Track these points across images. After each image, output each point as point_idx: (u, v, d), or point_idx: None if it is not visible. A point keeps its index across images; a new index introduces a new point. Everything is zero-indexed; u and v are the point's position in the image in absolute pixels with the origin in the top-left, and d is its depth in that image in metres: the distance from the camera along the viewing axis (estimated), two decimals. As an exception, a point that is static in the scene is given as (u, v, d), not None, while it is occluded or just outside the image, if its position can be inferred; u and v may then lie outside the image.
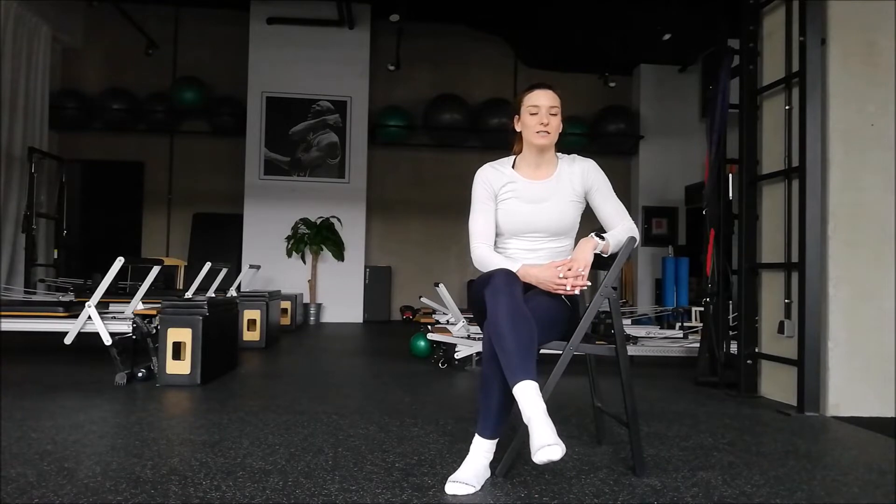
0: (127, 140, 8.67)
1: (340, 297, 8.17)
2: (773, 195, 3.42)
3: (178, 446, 2.17)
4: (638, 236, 2.04)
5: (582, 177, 2.10)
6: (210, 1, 8.45)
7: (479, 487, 1.78)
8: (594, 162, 2.15)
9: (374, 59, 8.49)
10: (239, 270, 7.18)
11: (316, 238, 7.91)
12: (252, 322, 5.04)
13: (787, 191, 3.26)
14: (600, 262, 2.04)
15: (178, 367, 3.30)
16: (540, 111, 2.06)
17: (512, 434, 2.00)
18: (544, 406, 1.69)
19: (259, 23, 8.14)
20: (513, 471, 1.95)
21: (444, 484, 1.79)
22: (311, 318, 7.84)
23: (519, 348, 1.71)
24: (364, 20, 8.27)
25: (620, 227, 2.05)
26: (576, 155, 2.17)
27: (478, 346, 3.97)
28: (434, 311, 5.45)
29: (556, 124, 2.07)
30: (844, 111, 3.05)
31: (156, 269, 3.79)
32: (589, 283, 1.93)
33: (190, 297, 4.10)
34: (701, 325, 4.53)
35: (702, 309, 4.39)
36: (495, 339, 1.75)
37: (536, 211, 2.06)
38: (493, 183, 2.12)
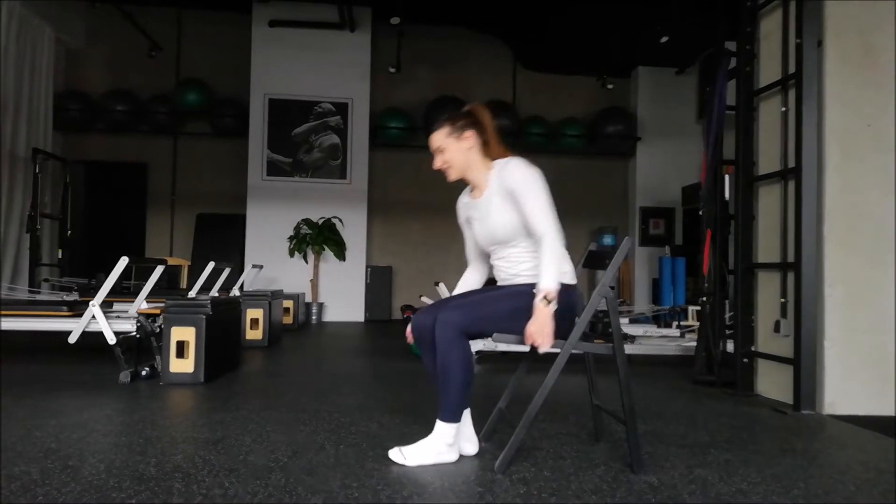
0: (130, 141, 8.71)
1: (342, 296, 8.20)
2: (769, 196, 3.45)
3: (181, 444, 2.20)
4: (559, 248, 1.93)
5: (500, 183, 2.06)
6: (212, 3, 8.48)
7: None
8: (520, 162, 2.04)
9: (375, 61, 8.52)
10: (242, 270, 7.21)
11: (318, 238, 7.94)
12: (255, 321, 5.07)
13: (784, 191, 3.29)
14: (598, 262, 2.06)
15: (182, 366, 3.33)
16: (435, 155, 2.16)
17: (510, 431, 2.02)
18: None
19: (261, 25, 8.18)
20: (511, 468, 1.98)
21: (445, 482, 1.82)
22: (313, 318, 7.87)
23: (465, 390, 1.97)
24: (365, 23, 8.30)
25: (544, 251, 1.91)
26: (510, 157, 2.09)
27: (477, 345, 3.99)
28: (434, 311, 5.45)
29: (448, 157, 2.11)
30: (841, 113, 3.07)
31: (159, 269, 3.82)
32: (552, 342, 1.92)
33: (193, 296, 4.13)
34: (698, 324, 4.55)
35: (699, 308, 4.41)
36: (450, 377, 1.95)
37: (482, 227, 2.12)
38: (461, 212, 2.27)
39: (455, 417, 2.00)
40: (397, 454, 2.02)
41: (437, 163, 2.14)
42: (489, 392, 3.40)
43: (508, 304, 1.98)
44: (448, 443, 2.01)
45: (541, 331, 1.88)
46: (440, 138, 2.12)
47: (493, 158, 2.11)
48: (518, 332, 1.95)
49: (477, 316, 1.96)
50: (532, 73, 9.30)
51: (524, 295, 1.96)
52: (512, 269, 2.09)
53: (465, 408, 2.09)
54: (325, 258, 8.13)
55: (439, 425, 2.00)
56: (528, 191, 1.98)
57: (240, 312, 4.32)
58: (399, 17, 7.90)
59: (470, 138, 2.10)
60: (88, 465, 1.92)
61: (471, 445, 2.12)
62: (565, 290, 2.01)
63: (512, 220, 2.04)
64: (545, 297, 1.89)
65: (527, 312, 1.91)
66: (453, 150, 2.10)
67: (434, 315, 1.98)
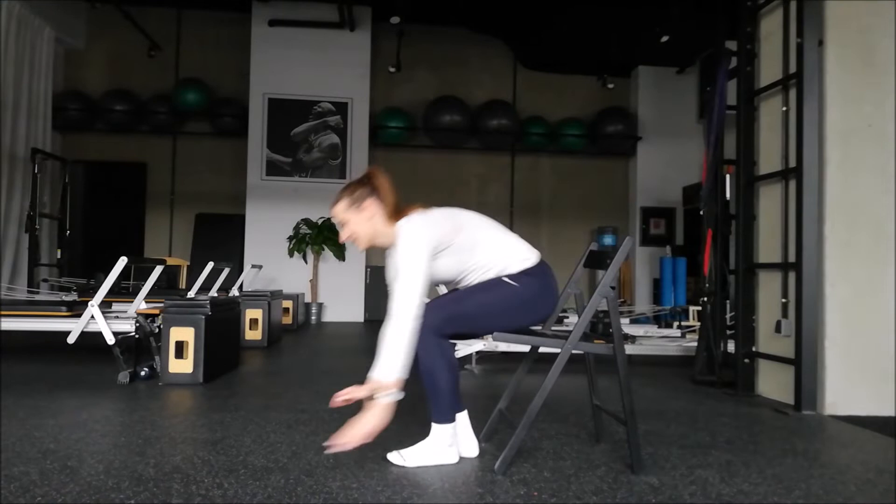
0: (130, 141, 8.71)
1: (341, 296, 8.20)
2: (770, 196, 3.44)
3: (180, 444, 2.19)
4: (399, 334, 1.85)
5: None
6: (212, 3, 8.48)
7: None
8: (406, 232, 1.97)
9: (374, 60, 8.52)
10: (241, 270, 7.21)
11: (317, 238, 7.93)
12: (254, 321, 5.06)
13: (785, 191, 3.29)
14: (599, 262, 2.06)
15: (181, 366, 3.33)
16: (340, 228, 2.12)
17: (511, 432, 2.02)
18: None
19: (261, 25, 8.17)
20: (512, 468, 1.98)
21: (445, 483, 1.82)
22: (313, 318, 7.87)
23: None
24: (365, 22, 8.30)
25: (386, 333, 1.86)
26: (405, 219, 2.02)
27: (477, 345, 3.99)
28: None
29: (352, 229, 2.07)
30: (842, 112, 3.06)
31: (158, 269, 3.82)
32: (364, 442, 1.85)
33: (192, 296, 4.12)
34: (699, 324, 4.55)
35: (699, 308, 4.41)
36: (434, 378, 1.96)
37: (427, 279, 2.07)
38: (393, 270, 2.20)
39: (448, 418, 2.00)
40: (396, 457, 2.02)
41: (343, 236, 2.11)
42: (489, 392, 3.39)
43: (480, 299, 2.00)
44: (446, 443, 2.01)
45: (360, 430, 1.80)
46: (341, 212, 2.08)
47: (398, 219, 2.04)
48: (492, 324, 1.98)
49: (450, 315, 1.97)
50: (532, 73, 9.29)
51: (494, 286, 2.00)
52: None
53: (460, 409, 2.09)
54: (324, 258, 8.13)
55: (435, 427, 2.01)
56: (400, 267, 1.94)
57: (239, 312, 4.31)
58: (399, 17, 7.89)
59: (370, 207, 2.05)
60: (87, 466, 1.92)
61: (470, 448, 2.12)
62: (530, 272, 2.02)
63: (448, 264, 2.03)
64: (376, 390, 1.80)
65: (498, 304, 1.96)
66: (355, 221, 2.07)
67: None
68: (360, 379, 1.94)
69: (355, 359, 4.78)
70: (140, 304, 3.67)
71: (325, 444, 1.83)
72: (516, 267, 2.04)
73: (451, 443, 2.02)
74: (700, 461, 2.14)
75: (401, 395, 1.84)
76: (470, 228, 2.07)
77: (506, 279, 2.01)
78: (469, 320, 1.98)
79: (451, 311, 1.98)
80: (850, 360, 3.00)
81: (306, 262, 8.04)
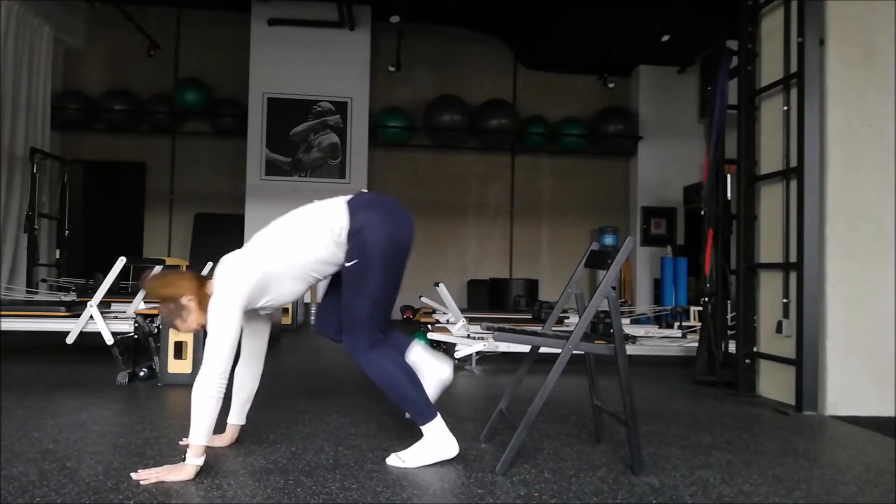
0: (129, 141, 8.70)
1: (341, 297, 8.17)
2: (771, 195, 3.44)
3: (179, 445, 2.18)
4: (199, 398, 1.85)
5: None
6: (211, 2, 8.48)
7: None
8: (213, 301, 1.96)
9: (374, 60, 8.51)
10: (240, 271, 7.18)
11: (317, 238, 7.92)
12: (253, 322, 5.05)
13: (786, 191, 3.28)
14: (600, 262, 2.05)
15: (180, 367, 3.32)
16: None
17: (511, 432, 2.01)
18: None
19: (260, 24, 8.17)
20: (512, 469, 1.97)
21: (445, 483, 1.81)
22: (312, 318, 7.86)
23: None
24: (364, 21, 8.30)
25: (196, 389, 1.87)
26: (213, 293, 2.00)
27: (478, 346, 3.98)
28: (434, 311, 5.46)
29: (194, 328, 2.09)
30: (843, 112, 3.06)
31: (157, 269, 3.81)
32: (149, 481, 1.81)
33: (191, 297, 4.09)
34: (699, 324, 4.54)
35: (700, 308, 4.40)
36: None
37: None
38: None
39: (430, 415, 2.02)
40: (396, 460, 2.02)
41: (180, 329, 2.11)
42: (489, 393, 3.39)
43: (362, 293, 2.01)
44: (442, 436, 2.01)
45: (163, 474, 1.81)
46: (181, 327, 2.09)
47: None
48: (389, 294, 2.06)
49: (361, 326, 2.02)
50: (532, 73, 9.28)
51: (356, 274, 2.00)
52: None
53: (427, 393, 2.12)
54: (324, 258, 8.11)
55: (424, 429, 2.02)
56: (210, 332, 1.95)
57: (239, 312, 4.29)
58: (399, 16, 7.89)
59: (188, 308, 2.03)
60: (86, 466, 1.91)
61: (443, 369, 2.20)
62: (353, 234, 2.01)
63: (293, 286, 2.07)
64: (191, 454, 1.83)
65: (374, 280, 2.01)
66: (192, 320, 2.06)
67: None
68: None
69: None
70: (139, 304, 3.67)
71: (138, 473, 1.83)
72: (343, 236, 2.02)
73: (445, 434, 2.02)
74: (701, 462, 2.14)
75: (201, 461, 1.84)
76: (278, 250, 2.06)
77: (350, 265, 2.00)
78: (374, 313, 2.03)
79: (359, 321, 2.03)
80: (851, 361, 3.00)
81: (306, 261, 8.02)
